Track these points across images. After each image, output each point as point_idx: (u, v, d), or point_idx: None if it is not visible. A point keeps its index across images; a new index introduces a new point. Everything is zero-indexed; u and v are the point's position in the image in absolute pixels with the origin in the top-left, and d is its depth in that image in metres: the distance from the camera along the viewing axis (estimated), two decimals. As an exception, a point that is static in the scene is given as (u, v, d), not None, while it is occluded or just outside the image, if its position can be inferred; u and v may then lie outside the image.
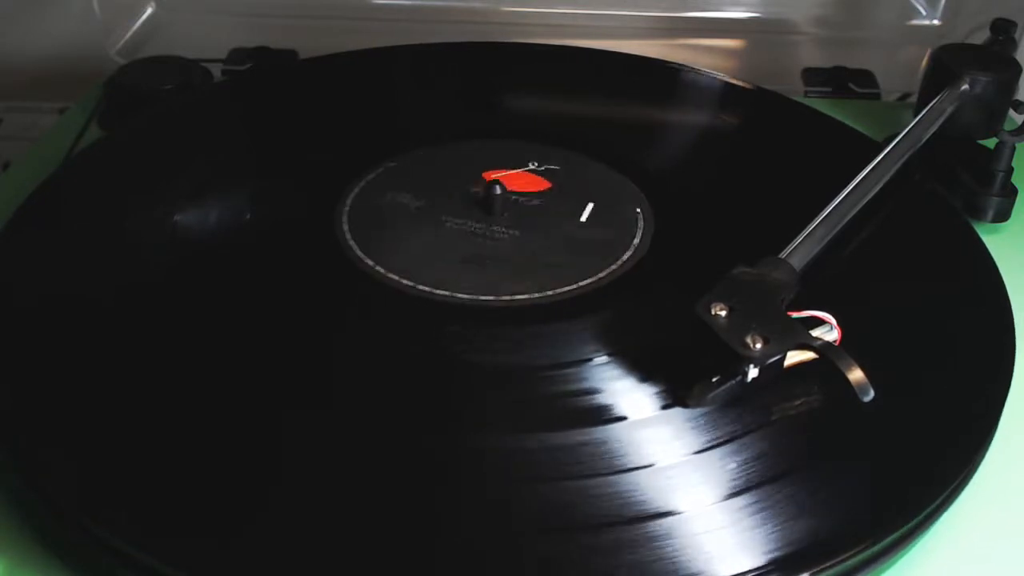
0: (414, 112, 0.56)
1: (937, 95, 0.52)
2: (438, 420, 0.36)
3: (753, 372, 0.35)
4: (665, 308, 0.41)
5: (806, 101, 0.60)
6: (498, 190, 0.45)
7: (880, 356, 0.36)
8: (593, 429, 0.35)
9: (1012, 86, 0.53)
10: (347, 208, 0.46)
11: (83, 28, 0.70)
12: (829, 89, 0.65)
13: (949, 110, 0.51)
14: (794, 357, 0.36)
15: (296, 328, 0.40)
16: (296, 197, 0.48)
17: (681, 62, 0.60)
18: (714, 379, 0.36)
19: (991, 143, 0.51)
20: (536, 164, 0.49)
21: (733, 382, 0.36)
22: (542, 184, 0.48)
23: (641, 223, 0.45)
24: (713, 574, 0.31)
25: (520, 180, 0.48)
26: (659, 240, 0.45)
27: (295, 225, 0.46)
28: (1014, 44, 0.58)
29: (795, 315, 0.37)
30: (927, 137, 0.49)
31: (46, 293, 0.41)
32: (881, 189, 0.45)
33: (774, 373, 0.36)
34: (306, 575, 0.31)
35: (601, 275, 0.43)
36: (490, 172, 0.48)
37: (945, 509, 0.35)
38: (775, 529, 0.32)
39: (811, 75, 0.66)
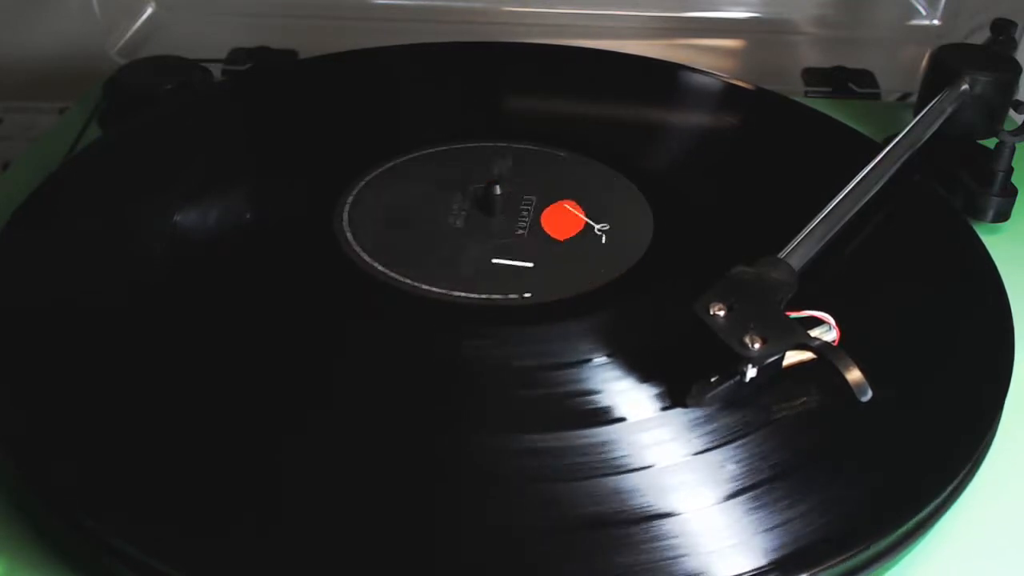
0: (414, 112, 0.56)
1: (937, 95, 0.52)
2: (438, 420, 0.36)
3: (751, 372, 0.35)
4: (665, 308, 0.41)
5: (806, 101, 0.60)
6: (498, 190, 0.45)
7: (879, 356, 0.36)
8: (593, 430, 0.35)
9: (1012, 86, 0.53)
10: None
11: (83, 28, 0.70)
12: (829, 89, 0.65)
13: (949, 110, 0.51)
14: (793, 357, 0.36)
15: (296, 328, 0.40)
16: (296, 197, 0.48)
17: (681, 62, 0.60)
18: (713, 379, 0.36)
19: (991, 143, 0.51)
20: (605, 228, 0.45)
21: (732, 382, 0.36)
22: (569, 233, 0.45)
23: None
24: (713, 574, 0.31)
25: (564, 221, 0.46)
26: (659, 240, 0.45)
27: (295, 225, 0.46)
28: (1014, 44, 0.58)
29: (794, 315, 0.37)
30: (927, 137, 0.49)
31: (46, 293, 0.41)
32: (881, 189, 0.45)
33: (773, 373, 0.36)
34: (306, 575, 0.31)
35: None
36: (563, 203, 0.47)
37: (945, 509, 0.35)
38: (775, 529, 0.32)
39: (811, 75, 0.66)
